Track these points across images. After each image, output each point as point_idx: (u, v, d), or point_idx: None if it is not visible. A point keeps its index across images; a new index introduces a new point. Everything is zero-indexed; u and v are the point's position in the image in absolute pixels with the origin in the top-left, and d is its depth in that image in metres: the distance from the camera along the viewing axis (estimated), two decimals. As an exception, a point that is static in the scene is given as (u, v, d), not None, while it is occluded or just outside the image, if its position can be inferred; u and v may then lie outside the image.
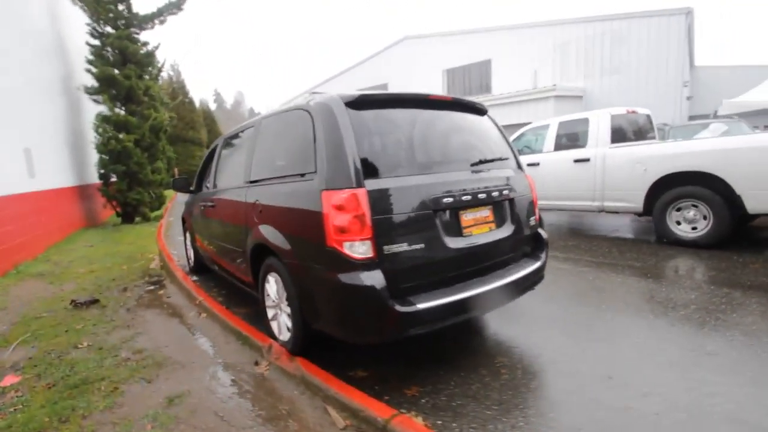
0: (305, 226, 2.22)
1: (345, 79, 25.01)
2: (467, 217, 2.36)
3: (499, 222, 2.54)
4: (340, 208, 2.01)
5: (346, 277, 1.99)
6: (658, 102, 14.36)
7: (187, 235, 5.31)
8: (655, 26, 14.44)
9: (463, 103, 2.72)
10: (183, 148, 24.63)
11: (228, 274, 3.72)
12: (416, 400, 2.14)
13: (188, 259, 5.41)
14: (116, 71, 8.72)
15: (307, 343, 2.47)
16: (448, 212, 2.27)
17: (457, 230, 2.30)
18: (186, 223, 5.13)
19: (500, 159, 2.72)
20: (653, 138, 6.50)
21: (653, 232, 6.05)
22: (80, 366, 2.58)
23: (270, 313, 2.85)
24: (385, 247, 2.02)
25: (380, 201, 2.05)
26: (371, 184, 2.05)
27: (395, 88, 22.62)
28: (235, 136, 3.63)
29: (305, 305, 2.32)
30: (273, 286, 2.72)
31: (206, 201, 3.95)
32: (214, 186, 3.86)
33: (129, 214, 9.39)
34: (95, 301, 3.99)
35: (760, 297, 3.21)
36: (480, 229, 2.41)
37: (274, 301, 2.76)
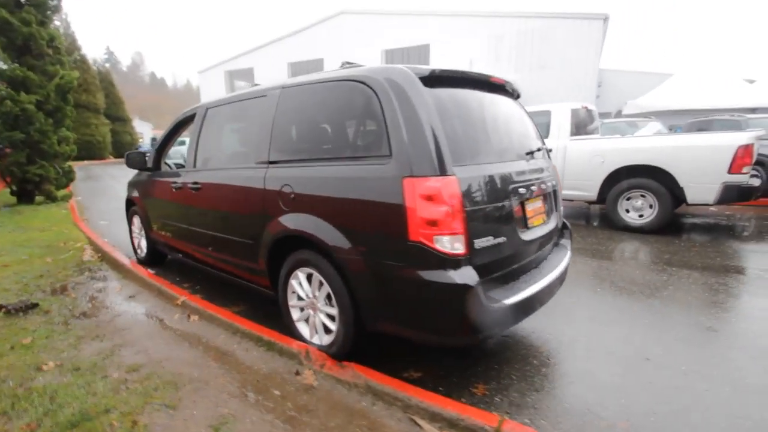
0: (375, 216, 1.95)
1: (272, 50, 23.30)
2: (529, 208, 2.29)
3: (549, 213, 2.53)
4: (429, 198, 1.79)
5: (432, 275, 1.80)
6: (573, 99, 15.90)
7: (135, 221, 4.50)
8: (578, 28, 15.83)
9: (511, 88, 2.62)
10: (77, 114, 21.00)
11: (212, 267, 3.22)
12: (490, 399, 2.05)
13: (136, 249, 4.61)
14: (9, 14, 6.88)
15: (357, 347, 2.23)
16: (519, 203, 2.18)
17: (524, 222, 2.22)
18: (136, 206, 4.32)
19: (547, 149, 2.70)
20: (597, 132, 7.15)
21: (598, 218, 6.73)
22: (63, 395, 1.99)
23: (295, 314, 2.52)
24: (476, 241, 1.86)
25: (468, 190, 1.87)
26: (458, 171, 1.86)
27: (331, 64, 21.73)
28: (230, 106, 3.07)
29: (365, 305, 2.07)
30: (304, 283, 2.40)
31: (179, 183, 3.33)
32: (194, 165, 3.26)
33: (29, 192, 7.69)
34: (33, 306, 3.17)
35: (718, 277, 3.74)
36: (537, 221, 2.37)
37: (304, 301, 2.44)
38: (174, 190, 3.45)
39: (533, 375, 2.26)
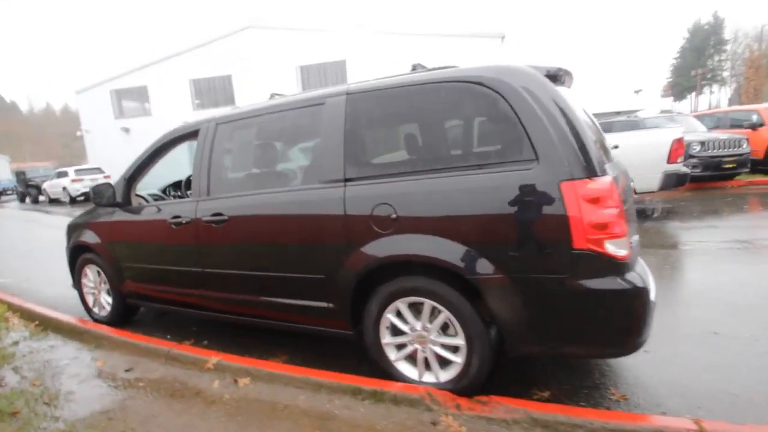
0: (522, 227, 1.76)
1: (170, 66, 21.07)
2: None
3: None
4: (595, 200, 1.67)
5: (605, 282, 1.68)
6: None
7: (87, 272, 3.56)
8: (482, 46, 17.38)
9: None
10: None
11: (240, 316, 2.66)
12: (635, 401, 2.00)
13: (90, 308, 3.64)
14: None
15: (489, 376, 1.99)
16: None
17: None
18: (93, 254, 3.41)
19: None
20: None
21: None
22: None
23: (392, 353, 2.19)
24: (632, 241, 1.79)
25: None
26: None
27: (240, 81, 20.47)
28: (259, 119, 2.56)
29: (511, 328, 1.85)
30: (407, 315, 2.09)
31: (185, 217, 2.69)
32: (207, 193, 2.66)
33: None
34: (-12, 411, 2.23)
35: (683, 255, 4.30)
36: None
37: (406, 335, 2.12)
38: (174, 227, 2.77)
39: (640, 366, 2.27)
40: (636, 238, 1.97)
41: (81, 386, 2.54)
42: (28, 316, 3.76)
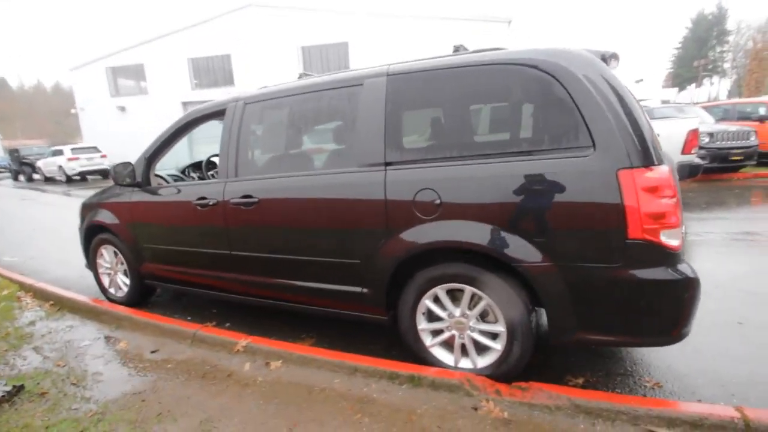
0: (574, 215, 1.73)
1: (168, 44, 20.55)
2: None
3: None
4: (653, 189, 1.64)
5: (659, 272, 1.67)
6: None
7: (103, 252, 3.51)
8: (489, 30, 17.09)
9: None
10: None
11: (265, 299, 2.65)
12: (670, 388, 2.03)
13: (106, 289, 3.60)
14: None
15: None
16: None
17: None
18: (110, 234, 3.35)
19: None
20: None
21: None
22: None
23: (427, 339, 2.18)
24: (683, 232, 1.78)
25: (670, 179, 1.77)
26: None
27: (240, 61, 20.05)
28: (291, 99, 2.48)
29: (555, 317, 1.84)
30: (446, 302, 2.08)
31: (211, 198, 2.63)
32: (235, 174, 2.59)
33: None
34: (18, 389, 2.21)
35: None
36: None
37: (443, 322, 2.11)
38: (199, 208, 2.71)
39: (670, 355, 2.29)
40: (684, 228, 1.96)
41: (107, 367, 2.52)
42: (41, 295, 3.71)
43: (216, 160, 3.66)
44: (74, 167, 16.81)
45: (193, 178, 3.64)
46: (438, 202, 1.95)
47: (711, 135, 7.86)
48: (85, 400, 2.18)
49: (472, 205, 1.90)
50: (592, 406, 1.78)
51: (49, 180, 18.38)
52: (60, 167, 17.11)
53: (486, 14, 17.65)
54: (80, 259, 3.80)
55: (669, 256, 1.67)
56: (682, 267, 1.69)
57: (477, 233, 1.88)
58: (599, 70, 1.76)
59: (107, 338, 2.90)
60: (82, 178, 17.47)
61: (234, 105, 2.67)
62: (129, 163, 3.05)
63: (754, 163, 8.22)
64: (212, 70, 20.86)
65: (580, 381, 2.13)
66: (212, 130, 3.07)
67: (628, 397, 1.84)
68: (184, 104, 21.04)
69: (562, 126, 1.77)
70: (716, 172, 8.22)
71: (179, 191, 2.91)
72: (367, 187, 2.12)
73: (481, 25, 17.29)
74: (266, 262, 2.54)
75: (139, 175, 3.06)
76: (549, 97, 1.79)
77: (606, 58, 1.88)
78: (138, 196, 3.12)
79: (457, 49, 2.27)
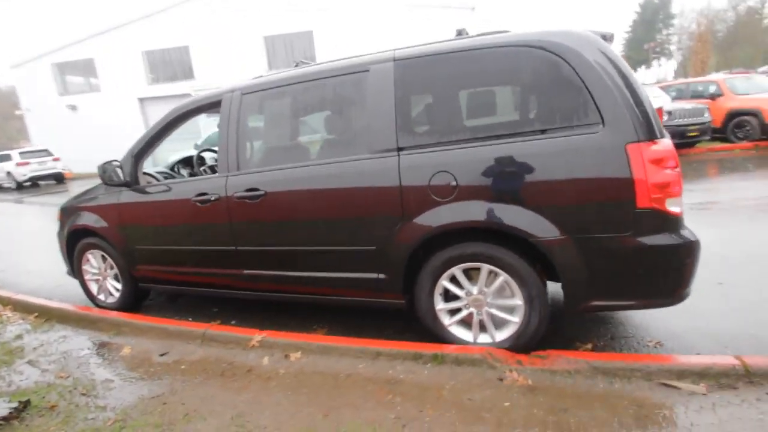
0: (587, 189, 1.84)
1: (119, 37, 19.29)
2: None
3: None
4: (659, 161, 1.77)
5: (665, 238, 1.81)
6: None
7: (89, 258, 3.35)
8: (453, 17, 17.19)
9: None
10: None
11: (275, 292, 2.64)
12: (670, 346, 2.20)
13: (95, 296, 3.44)
14: None
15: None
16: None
17: None
18: (97, 238, 3.19)
19: None
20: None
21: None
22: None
23: (445, 318, 2.26)
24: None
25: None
26: None
27: (199, 53, 19.18)
28: (291, 88, 2.43)
29: (572, 286, 1.95)
30: (463, 281, 2.16)
31: (212, 194, 2.56)
32: (237, 168, 2.53)
33: None
34: (24, 405, 2.09)
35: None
36: None
37: (461, 300, 2.19)
38: (199, 205, 2.64)
39: (663, 317, 2.47)
40: None
41: (116, 374, 2.43)
42: (22, 308, 3.50)
43: (206, 155, 3.56)
44: (24, 172, 15.67)
45: (183, 175, 3.51)
46: (454, 184, 2.01)
47: (669, 113, 8.35)
48: (101, 409, 2.10)
49: (488, 185, 1.96)
50: (608, 367, 1.91)
51: (-4, 187, 17.06)
52: (8, 173, 15.91)
53: (450, 2, 17.73)
54: (52, 268, 3.61)
55: (673, 223, 1.81)
56: (684, 232, 1.84)
57: (495, 212, 1.95)
58: (603, 50, 1.85)
59: (108, 345, 2.79)
60: (34, 183, 16.33)
61: (230, 96, 2.59)
62: (114, 162, 2.90)
63: (708, 138, 8.82)
64: (170, 63, 19.86)
65: (589, 346, 2.27)
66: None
67: (640, 356, 2.00)
68: (141, 100, 19.97)
69: (572, 105, 1.86)
70: (675, 148, 8.75)
71: (173, 189, 2.81)
72: (381, 173, 2.14)
73: (446, 11, 17.37)
74: (275, 256, 2.52)
75: (127, 174, 2.92)
76: (558, 77, 1.87)
77: (606, 38, 1.98)
78: (127, 196, 2.98)
79: (459, 33, 2.31)
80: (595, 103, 1.81)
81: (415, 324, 2.40)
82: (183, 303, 3.57)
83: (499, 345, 2.14)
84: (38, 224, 8.60)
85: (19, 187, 15.81)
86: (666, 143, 1.80)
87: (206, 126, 8.43)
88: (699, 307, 2.56)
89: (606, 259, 1.88)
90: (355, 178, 2.20)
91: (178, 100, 3.63)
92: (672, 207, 1.79)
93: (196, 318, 3.15)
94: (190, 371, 2.37)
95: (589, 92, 1.81)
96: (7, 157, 16.13)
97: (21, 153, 16.20)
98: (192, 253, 2.82)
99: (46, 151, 16.76)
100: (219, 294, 2.93)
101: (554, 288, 2.17)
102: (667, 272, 1.86)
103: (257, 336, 2.50)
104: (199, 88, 16.67)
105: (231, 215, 2.55)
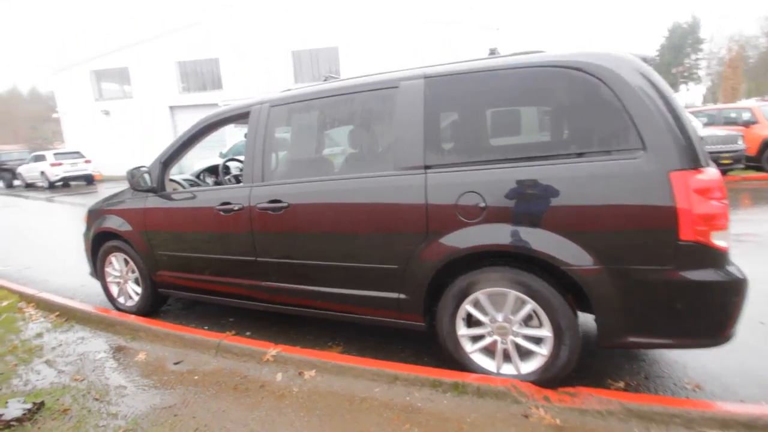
0: (625, 217, 1.74)
1: (155, 47, 20.13)
2: None
3: None
4: (704, 191, 1.66)
5: (711, 274, 1.68)
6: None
7: (112, 261, 3.38)
8: (478, 35, 17.32)
9: None
10: None
11: (291, 306, 2.59)
12: (713, 391, 2.04)
13: (115, 298, 3.47)
14: None
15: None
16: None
17: None
18: (121, 241, 3.23)
19: None
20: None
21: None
22: None
23: (467, 345, 2.16)
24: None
25: (714, 182, 1.80)
26: None
27: (228, 65, 19.81)
28: (320, 102, 2.43)
29: (606, 320, 1.84)
30: (487, 306, 2.06)
31: (236, 203, 2.56)
32: (261, 179, 2.53)
33: None
34: (38, 406, 2.08)
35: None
36: None
37: (484, 327, 2.09)
38: (222, 214, 2.64)
39: (702, 356, 2.31)
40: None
41: (129, 380, 2.41)
42: (45, 306, 3.55)
43: (231, 164, 3.59)
44: (57, 173, 16.30)
45: (208, 183, 3.55)
46: (483, 205, 1.94)
47: (701, 139, 8.07)
48: (112, 416, 2.07)
49: (517, 208, 1.88)
50: (644, 410, 1.78)
51: (30, 186, 17.78)
52: (42, 173, 16.58)
53: (476, 20, 17.90)
54: (77, 267, 3.66)
55: (719, 258, 1.69)
56: (730, 268, 1.71)
57: (525, 237, 1.87)
58: (644, 72, 1.78)
59: (124, 350, 2.78)
60: (65, 183, 16.94)
61: (259, 108, 2.61)
62: (144, 167, 2.95)
63: (742, 166, 8.48)
64: (200, 74, 20.56)
65: (621, 385, 2.13)
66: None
67: (679, 400, 1.85)
68: (171, 108, 20.67)
69: (611, 128, 1.78)
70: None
71: (198, 196, 2.83)
72: (407, 191, 2.09)
73: (470, 31, 17.52)
74: (295, 269, 2.48)
75: (154, 180, 2.96)
76: (597, 100, 1.80)
77: (647, 60, 1.91)
78: (153, 201, 3.01)
79: (492, 52, 2.27)
80: (636, 127, 1.73)
81: (434, 346, 2.31)
82: (200, 310, 3.56)
83: (524, 378, 2.03)
84: (67, 224, 8.87)
85: (51, 186, 16.43)
86: (713, 173, 1.70)
87: (232, 135, 8.60)
88: (740, 347, 2.39)
89: (645, 292, 1.76)
90: (380, 195, 2.16)
91: (206, 109, 3.70)
92: (718, 241, 1.68)
93: (212, 327, 3.14)
94: (203, 383, 2.33)
95: (630, 116, 1.74)
96: (42, 158, 16.84)
97: (55, 154, 16.89)
98: (212, 261, 2.81)
99: (78, 153, 17.42)
100: (236, 304, 2.90)
101: (584, 318, 2.06)
102: (711, 311, 1.73)
103: (272, 350, 2.45)
104: (227, 98, 17.17)
105: (253, 225, 2.54)
